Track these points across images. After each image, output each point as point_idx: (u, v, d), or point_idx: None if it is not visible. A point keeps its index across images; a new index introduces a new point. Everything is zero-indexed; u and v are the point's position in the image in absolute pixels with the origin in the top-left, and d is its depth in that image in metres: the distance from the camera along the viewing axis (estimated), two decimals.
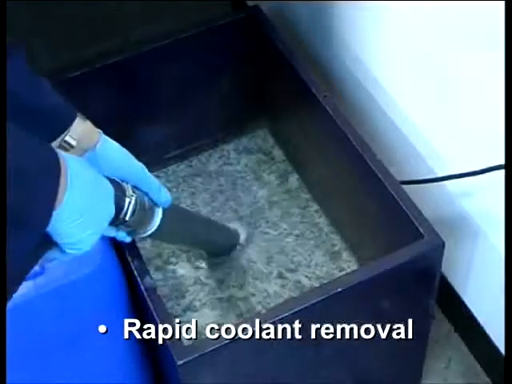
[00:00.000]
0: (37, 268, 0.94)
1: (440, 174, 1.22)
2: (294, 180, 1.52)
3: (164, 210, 0.97)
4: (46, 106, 0.85)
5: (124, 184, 0.87)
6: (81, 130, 0.87)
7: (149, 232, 0.96)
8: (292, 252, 1.40)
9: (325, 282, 1.30)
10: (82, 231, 0.74)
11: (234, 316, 1.31)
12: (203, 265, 1.38)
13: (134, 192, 0.87)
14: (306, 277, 1.36)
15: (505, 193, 0.90)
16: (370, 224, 1.24)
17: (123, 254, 1.05)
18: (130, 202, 0.86)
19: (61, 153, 0.69)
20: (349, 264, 1.37)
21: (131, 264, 1.04)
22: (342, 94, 1.42)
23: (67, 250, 0.75)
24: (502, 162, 0.98)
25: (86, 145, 0.88)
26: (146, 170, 0.92)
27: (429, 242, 1.05)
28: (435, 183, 1.22)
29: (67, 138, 0.86)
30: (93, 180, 0.75)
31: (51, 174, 0.66)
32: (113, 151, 0.89)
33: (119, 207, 0.84)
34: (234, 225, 1.37)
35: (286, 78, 1.35)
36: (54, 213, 0.68)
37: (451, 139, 1.20)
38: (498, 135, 0.99)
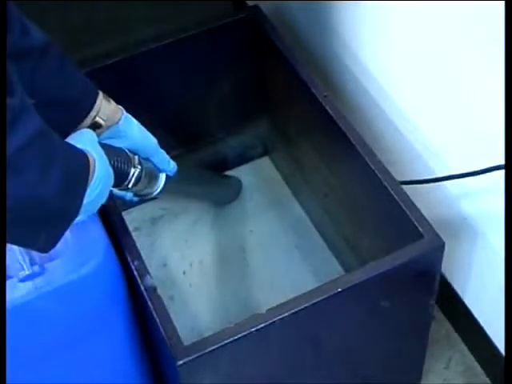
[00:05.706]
0: (36, 268, 0.94)
1: (440, 174, 1.22)
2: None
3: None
4: (74, 94, 0.96)
5: (132, 156, 0.98)
6: (107, 111, 0.99)
7: (153, 194, 1.07)
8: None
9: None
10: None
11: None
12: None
13: (140, 164, 0.99)
14: None
15: (505, 193, 0.90)
16: (370, 224, 1.24)
17: (123, 253, 1.05)
18: (133, 173, 0.98)
19: (90, 153, 0.86)
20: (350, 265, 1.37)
21: (131, 264, 1.04)
22: (342, 94, 1.42)
23: None
24: (502, 162, 0.98)
25: (110, 122, 0.99)
26: (158, 146, 1.05)
27: (429, 242, 1.05)
28: (435, 183, 1.22)
29: (97, 119, 0.97)
30: (109, 172, 0.90)
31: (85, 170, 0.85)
32: (132, 128, 1.01)
33: (125, 176, 0.97)
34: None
35: (286, 78, 1.35)
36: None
37: (451, 139, 1.20)
38: (498, 135, 0.99)
